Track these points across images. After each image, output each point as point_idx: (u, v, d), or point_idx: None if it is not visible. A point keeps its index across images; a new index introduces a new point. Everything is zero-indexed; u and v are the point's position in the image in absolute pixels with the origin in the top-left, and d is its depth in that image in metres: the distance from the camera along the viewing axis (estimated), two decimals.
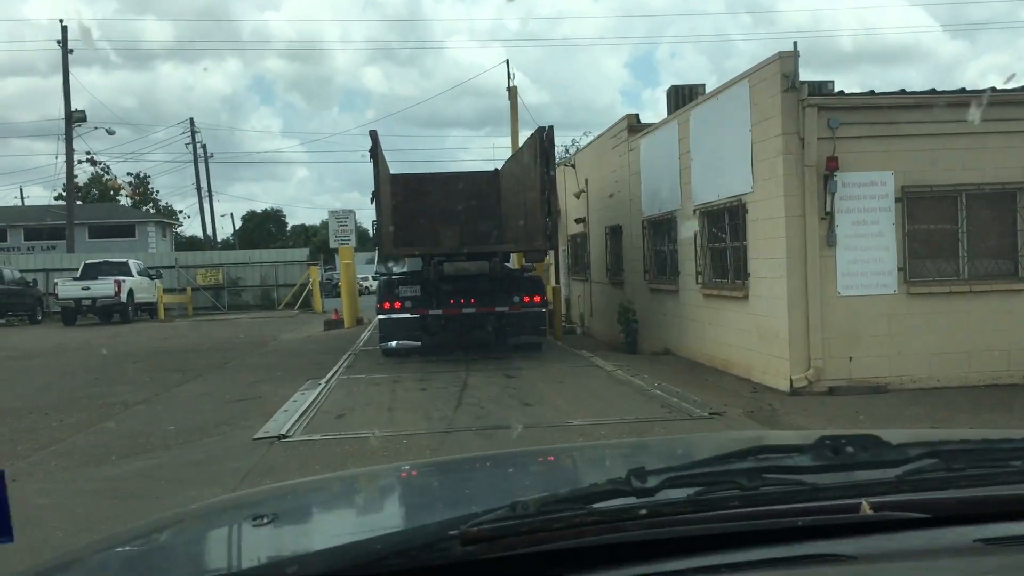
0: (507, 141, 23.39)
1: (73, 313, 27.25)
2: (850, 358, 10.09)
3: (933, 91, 10.36)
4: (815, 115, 9.94)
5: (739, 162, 11.20)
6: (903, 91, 10.44)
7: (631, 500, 1.07)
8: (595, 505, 1.06)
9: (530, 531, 1.03)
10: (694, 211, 12.97)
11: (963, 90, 10.54)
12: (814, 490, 1.11)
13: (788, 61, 10.03)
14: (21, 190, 65.48)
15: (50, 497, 6.34)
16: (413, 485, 1.90)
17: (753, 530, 1.09)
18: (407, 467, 2.70)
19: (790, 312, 10.04)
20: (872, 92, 10.48)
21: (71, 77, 36.70)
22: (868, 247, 10.15)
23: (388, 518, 1.62)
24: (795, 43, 10.08)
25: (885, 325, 10.13)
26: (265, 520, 1.46)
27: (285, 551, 1.30)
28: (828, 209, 10.01)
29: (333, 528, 1.60)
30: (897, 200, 10.14)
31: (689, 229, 13.22)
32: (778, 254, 10.23)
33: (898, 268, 10.15)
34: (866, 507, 1.10)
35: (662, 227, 14.84)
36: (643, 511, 1.05)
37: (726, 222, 12.03)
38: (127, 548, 1.48)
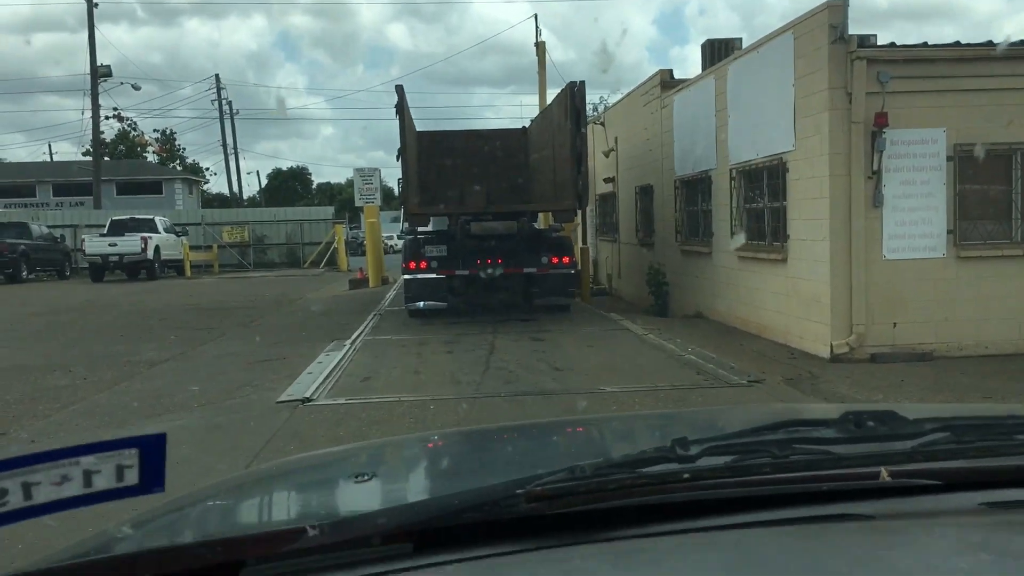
0: (534, 99, 22.93)
1: (100, 269, 27.31)
2: (894, 324, 9.69)
3: (990, 43, 9.79)
4: (864, 68, 9.43)
5: (780, 119, 10.71)
6: (958, 43, 9.87)
7: (675, 466, 1.17)
8: (644, 470, 1.17)
9: (587, 492, 1.14)
10: (731, 170, 12.51)
11: (1022, 42, 9.96)
12: (838, 459, 1.22)
13: (836, 11, 9.50)
14: (50, 146, 65.85)
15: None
16: (467, 450, 2.07)
17: (783, 493, 1.21)
18: (456, 433, 2.96)
19: (832, 275, 9.63)
20: (925, 44, 9.93)
21: (97, 32, 36.48)
22: (916, 208, 9.69)
23: (455, 479, 1.75)
24: None
25: (932, 290, 9.70)
26: (360, 476, 1.66)
27: (373, 504, 1.45)
28: (875, 168, 9.54)
29: (409, 485, 1.79)
30: (948, 159, 9.64)
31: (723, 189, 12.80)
32: (821, 215, 9.80)
33: (947, 230, 9.69)
34: (885, 474, 1.22)
35: (696, 187, 14.38)
36: (686, 475, 1.16)
37: (764, 182, 11.57)
38: (219, 501, 1.63)
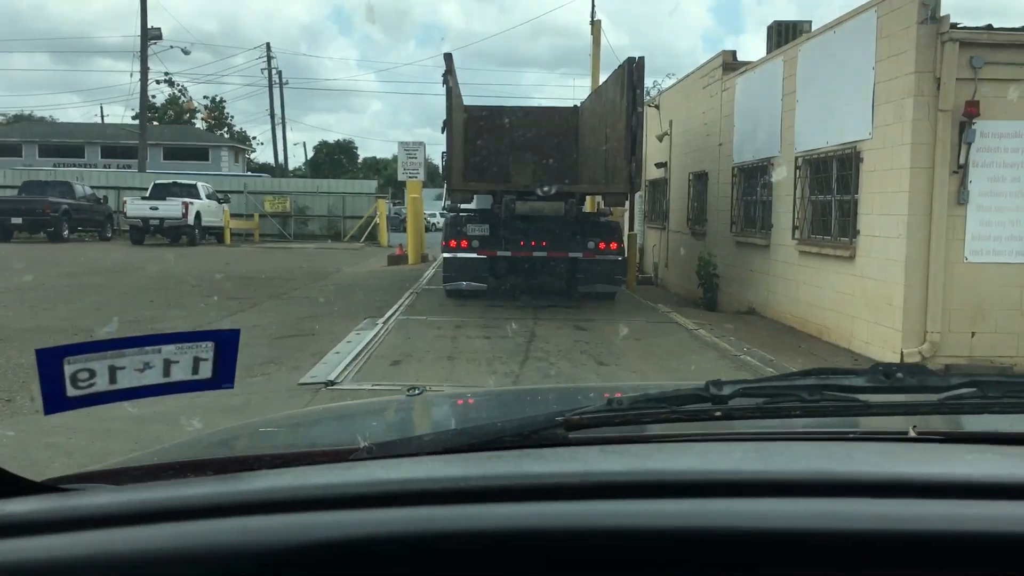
0: (586, 82, 22.15)
1: (141, 232, 27.12)
2: (972, 333, 8.87)
3: None
4: (955, 52, 8.57)
5: (857, 104, 9.87)
6: None
7: (708, 405, 1.20)
8: (678, 407, 1.20)
9: (622, 422, 1.20)
10: (796, 159, 11.68)
11: None
12: (866, 407, 1.22)
13: None
14: (101, 108, 66.29)
15: (66, 436, 5.67)
16: (506, 401, 2.23)
17: (810, 438, 1.30)
18: (493, 391, 3.20)
19: (907, 277, 8.83)
20: None
21: None
22: (1005, 208, 8.83)
23: (500, 413, 1.87)
24: None
25: (1017, 298, 8.86)
26: (412, 392, 1.98)
27: (421, 430, 1.73)
28: (961, 162, 8.71)
29: (452, 420, 1.95)
30: None
31: (781, 174, 12.01)
32: (898, 210, 8.98)
33: None
34: (912, 432, 1.29)
35: (755, 175, 13.56)
36: (718, 413, 1.19)
37: (834, 172, 10.75)
38: (272, 428, 1.85)
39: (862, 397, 1.23)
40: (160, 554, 0.82)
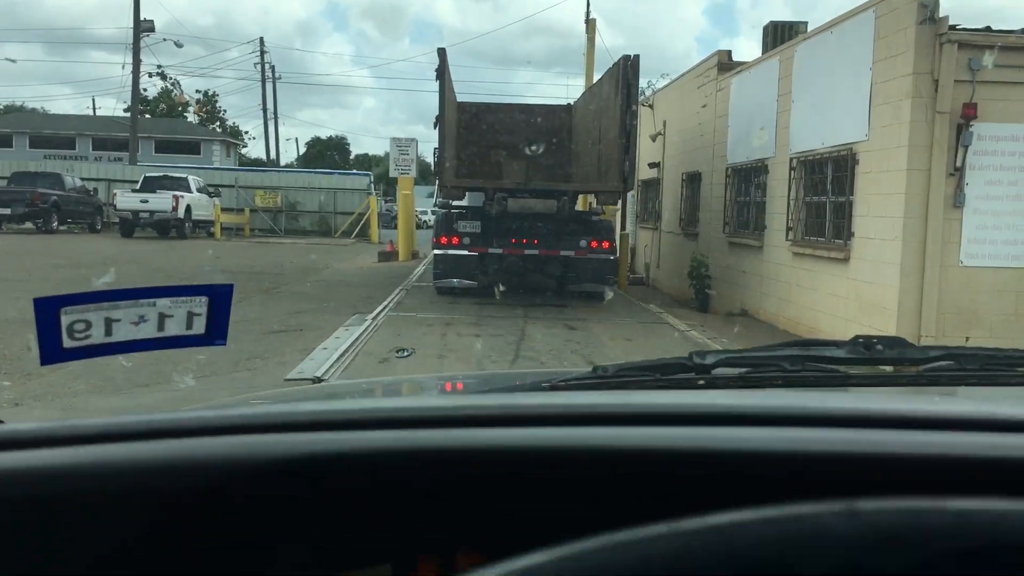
0: (580, 81, 22.05)
1: (131, 225, 26.88)
2: (967, 338, 8.78)
3: None
4: (954, 53, 8.51)
5: (853, 105, 9.80)
6: None
7: (692, 374, 1.23)
8: (662, 375, 1.23)
9: (607, 389, 1.22)
10: (791, 159, 11.60)
11: None
12: (846, 377, 1.26)
13: None
14: (93, 100, 65.87)
15: None
16: (501, 378, 2.21)
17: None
18: (478, 374, 3.50)
19: (902, 280, 8.76)
20: None
21: None
22: (1001, 211, 8.77)
23: (487, 386, 1.92)
24: None
25: (1012, 303, 8.80)
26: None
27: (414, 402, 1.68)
28: (958, 164, 8.64)
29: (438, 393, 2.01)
30: None
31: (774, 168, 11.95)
32: (893, 213, 8.91)
33: None
34: None
35: (749, 176, 13.49)
36: (701, 382, 1.22)
37: (829, 173, 10.67)
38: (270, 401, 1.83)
39: (842, 368, 1.26)
40: (155, 463, 0.87)
